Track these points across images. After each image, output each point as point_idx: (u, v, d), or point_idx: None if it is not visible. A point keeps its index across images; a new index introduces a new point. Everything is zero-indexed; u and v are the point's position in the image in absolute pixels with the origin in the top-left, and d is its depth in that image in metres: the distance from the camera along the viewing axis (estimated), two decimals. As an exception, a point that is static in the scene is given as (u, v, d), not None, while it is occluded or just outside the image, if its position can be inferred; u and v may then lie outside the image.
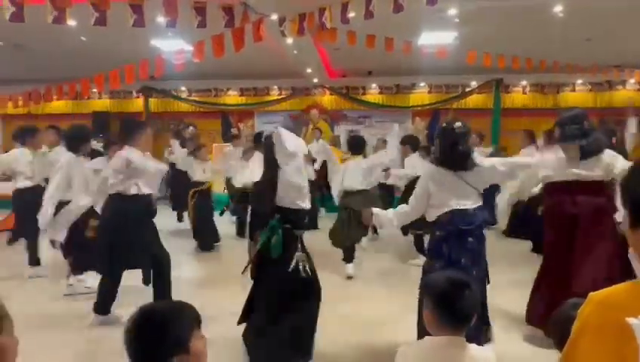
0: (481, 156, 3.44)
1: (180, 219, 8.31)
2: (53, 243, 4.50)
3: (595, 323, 0.80)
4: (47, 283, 4.88)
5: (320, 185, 7.85)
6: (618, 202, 3.09)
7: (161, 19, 5.05)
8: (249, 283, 3.20)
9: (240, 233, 7.12)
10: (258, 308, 3.11)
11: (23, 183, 5.11)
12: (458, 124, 3.13)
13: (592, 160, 3.29)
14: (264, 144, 3.32)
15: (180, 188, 7.58)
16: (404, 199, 5.97)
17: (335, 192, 5.63)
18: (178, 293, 3.87)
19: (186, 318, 1.46)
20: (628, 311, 0.75)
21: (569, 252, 3.30)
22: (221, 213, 7.43)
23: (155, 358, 1.40)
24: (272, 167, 3.07)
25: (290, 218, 3.05)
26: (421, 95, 11.42)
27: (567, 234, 3.33)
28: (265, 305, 3.07)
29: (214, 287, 4.87)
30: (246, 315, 3.19)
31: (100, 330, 3.68)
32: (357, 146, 5.72)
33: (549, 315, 3.17)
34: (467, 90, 11.14)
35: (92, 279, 4.34)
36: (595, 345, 0.79)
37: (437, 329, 1.67)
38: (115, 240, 3.70)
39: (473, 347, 1.67)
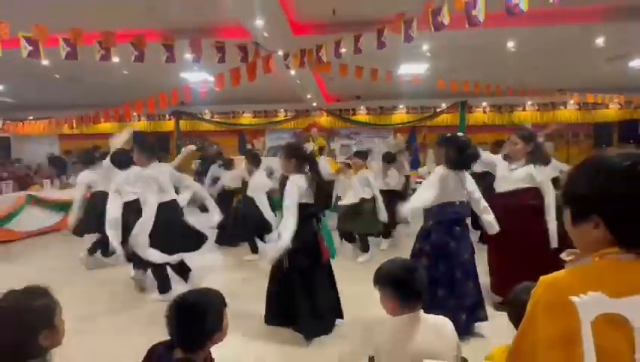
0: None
1: None
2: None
3: (546, 301, 0.79)
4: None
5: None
6: None
7: (188, 56, 5.06)
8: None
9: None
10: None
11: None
12: (461, 134, 3.18)
13: None
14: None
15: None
16: None
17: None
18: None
19: (218, 303, 1.45)
20: (572, 290, 0.75)
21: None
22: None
23: (199, 339, 1.39)
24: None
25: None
26: (401, 115, 11.43)
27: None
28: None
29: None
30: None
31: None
32: (364, 156, 5.78)
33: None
34: (438, 110, 11.15)
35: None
36: (546, 318, 0.78)
37: (399, 310, 1.59)
38: None
39: (430, 317, 1.61)
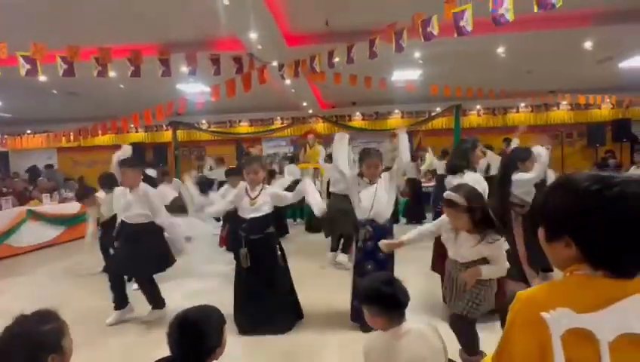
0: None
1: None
2: None
3: (522, 316, 0.84)
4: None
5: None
6: None
7: (184, 69, 5.12)
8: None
9: None
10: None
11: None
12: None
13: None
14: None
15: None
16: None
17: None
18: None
19: (218, 320, 1.48)
20: (545, 306, 0.80)
21: None
22: None
23: (200, 356, 1.42)
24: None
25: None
26: (396, 120, 11.48)
27: None
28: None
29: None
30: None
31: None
32: None
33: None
34: (433, 114, 11.21)
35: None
36: (522, 332, 0.82)
37: (387, 325, 1.60)
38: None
39: (415, 326, 1.62)
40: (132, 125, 10.63)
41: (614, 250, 0.79)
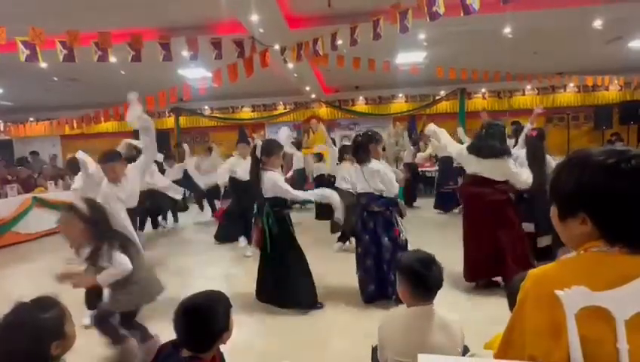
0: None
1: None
2: None
3: (534, 293, 0.82)
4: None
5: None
6: None
7: (185, 53, 5.05)
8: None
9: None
10: (275, 265, 3.44)
11: None
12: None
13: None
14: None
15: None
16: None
17: None
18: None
19: (224, 304, 1.47)
20: (558, 283, 0.78)
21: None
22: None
23: (207, 341, 1.42)
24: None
25: (277, 204, 3.39)
26: (400, 104, 11.38)
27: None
28: (285, 261, 3.43)
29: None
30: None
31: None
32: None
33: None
34: (437, 98, 11.08)
35: None
36: (534, 310, 0.81)
37: (411, 301, 1.62)
38: None
39: (441, 313, 1.62)
40: (134, 112, 10.62)
41: (633, 223, 0.77)
